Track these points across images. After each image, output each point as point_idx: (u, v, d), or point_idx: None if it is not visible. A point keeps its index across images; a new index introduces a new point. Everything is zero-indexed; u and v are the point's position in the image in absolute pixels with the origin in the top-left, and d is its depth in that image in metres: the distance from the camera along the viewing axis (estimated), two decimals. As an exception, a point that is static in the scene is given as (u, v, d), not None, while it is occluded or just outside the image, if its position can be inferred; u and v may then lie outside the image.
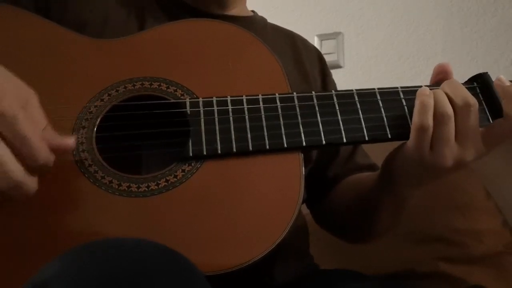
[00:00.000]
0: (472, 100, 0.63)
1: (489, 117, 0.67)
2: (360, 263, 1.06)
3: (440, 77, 0.69)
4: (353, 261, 1.10)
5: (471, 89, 0.66)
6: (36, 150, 0.54)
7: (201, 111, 0.65)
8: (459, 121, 0.62)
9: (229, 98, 0.66)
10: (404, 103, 0.67)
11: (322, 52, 1.01)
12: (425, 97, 0.62)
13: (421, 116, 0.62)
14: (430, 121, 0.62)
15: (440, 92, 0.63)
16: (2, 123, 0.52)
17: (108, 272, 0.44)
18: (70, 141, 0.58)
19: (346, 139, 0.65)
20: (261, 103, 0.66)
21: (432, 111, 0.62)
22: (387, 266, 1.12)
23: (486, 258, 1.08)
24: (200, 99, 0.66)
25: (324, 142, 0.65)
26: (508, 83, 0.66)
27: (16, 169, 0.53)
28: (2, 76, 0.55)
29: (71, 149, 0.60)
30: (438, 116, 0.62)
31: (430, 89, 0.64)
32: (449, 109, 0.62)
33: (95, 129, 0.64)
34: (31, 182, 0.55)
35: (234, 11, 0.88)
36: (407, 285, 1.07)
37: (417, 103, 0.63)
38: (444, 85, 0.65)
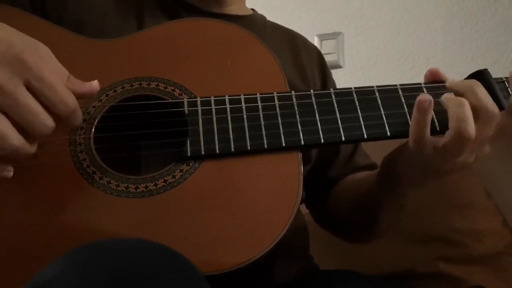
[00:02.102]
0: (496, 110, 0.62)
1: None
2: (360, 263, 1.06)
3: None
4: (353, 261, 1.10)
5: None
6: (66, 97, 0.55)
7: (199, 111, 0.65)
8: (477, 132, 0.61)
9: (227, 98, 0.66)
10: (403, 101, 0.67)
11: (322, 52, 1.00)
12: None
13: (419, 113, 0.61)
14: (428, 118, 0.61)
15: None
16: (27, 72, 0.53)
17: (108, 273, 0.44)
18: (94, 83, 0.60)
19: (345, 138, 0.65)
20: (259, 102, 0.66)
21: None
22: (387, 266, 1.12)
23: (486, 258, 1.08)
24: (198, 99, 0.66)
25: (322, 141, 0.64)
26: None
27: (48, 117, 0.54)
28: (16, 33, 0.56)
29: (97, 91, 0.61)
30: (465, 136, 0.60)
31: (429, 88, 0.64)
32: (472, 131, 0.60)
33: (93, 129, 0.64)
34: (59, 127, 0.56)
35: (233, 9, 0.88)
36: (407, 285, 1.07)
37: (417, 102, 0.61)
38: (468, 92, 0.63)
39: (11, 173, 0.56)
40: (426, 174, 0.67)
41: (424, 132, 0.61)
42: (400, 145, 0.69)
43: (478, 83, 0.64)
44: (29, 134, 0.54)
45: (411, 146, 0.63)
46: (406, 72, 1.65)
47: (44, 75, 0.54)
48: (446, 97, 0.63)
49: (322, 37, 1.74)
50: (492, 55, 1.58)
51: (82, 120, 0.60)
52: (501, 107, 0.65)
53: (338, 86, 0.98)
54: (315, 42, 1.72)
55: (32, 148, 0.56)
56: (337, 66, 1.69)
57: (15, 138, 0.53)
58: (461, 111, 0.60)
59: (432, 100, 0.61)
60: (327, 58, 1.00)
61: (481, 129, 0.61)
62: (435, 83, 0.68)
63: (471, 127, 0.60)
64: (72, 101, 0.56)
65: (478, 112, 0.61)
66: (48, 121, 0.54)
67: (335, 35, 1.73)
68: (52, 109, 0.55)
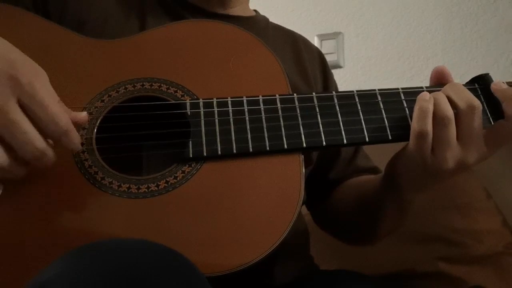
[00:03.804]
0: (476, 102, 0.63)
1: (490, 119, 0.66)
2: (360, 263, 1.06)
3: (438, 82, 0.69)
4: (353, 261, 1.10)
5: (472, 91, 0.66)
6: (57, 116, 0.54)
7: (201, 112, 0.65)
8: (462, 124, 0.62)
9: (229, 99, 0.66)
10: (405, 105, 0.67)
11: (322, 52, 1.00)
12: (424, 103, 0.62)
13: (420, 122, 0.62)
14: (429, 127, 0.62)
15: (440, 95, 0.63)
16: (20, 90, 0.53)
17: (109, 273, 0.44)
18: (82, 115, 0.59)
19: (346, 141, 0.65)
20: (261, 104, 0.66)
21: (431, 117, 0.62)
22: (387, 266, 1.12)
23: (486, 258, 1.08)
24: (201, 100, 0.66)
25: (324, 143, 0.65)
26: (505, 86, 0.67)
27: (37, 137, 0.54)
28: (13, 50, 0.56)
29: (84, 123, 0.60)
30: (438, 120, 0.62)
31: (431, 92, 0.64)
32: (449, 112, 0.62)
33: (95, 130, 0.64)
34: (51, 152, 0.56)
35: (236, 11, 0.88)
36: (407, 285, 1.08)
37: (416, 108, 0.63)
38: (447, 87, 0.65)
39: (0, 191, 0.56)
40: (426, 176, 0.67)
41: (427, 121, 0.62)
42: (400, 150, 0.69)
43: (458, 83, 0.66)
44: (18, 156, 0.54)
45: (411, 144, 0.64)
46: (406, 72, 1.65)
47: (36, 93, 0.53)
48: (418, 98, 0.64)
49: (322, 37, 1.74)
50: (492, 55, 1.58)
51: (79, 143, 0.58)
52: (502, 113, 0.65)
53: (338, 86, 0.98)
54: (315, 42, 1.72)
55: (20, 170, 0.55)
56: (337, 66, 1.69)
57: (1, 157, 0.53)
58: (420, 106, 0.62)
59: (432, 98, 0.63)
60: (327, 58, 1.00)
61: (465, 122, 0.62)
62: (439, 86, 0.68)
63: (423, 122, 0.61)
64: (63, 121, 0.55)
65: (463, 103, 0.62)
66: (37, 142, 0.54)
67: (335, 35, 1.73)
68: (43, 129, 0.54)
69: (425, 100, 0.63)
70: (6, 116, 0.52)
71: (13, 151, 0.54)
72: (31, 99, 0.53)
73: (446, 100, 0.63)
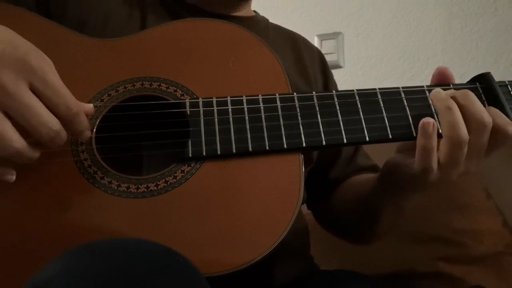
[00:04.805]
0: (488, 119, 0.61)
1: None
2: (360, 263, 1.06)
3: (440, 82, 0.69)
4: (353, 261, 1.10)
5: (473, 90, 0.65)
6: (69, 98, 0.56)
7: (201, 112, 0.65)
8: (471, 141, 0.61)
9: (229, 99, 0.66)
10: (406, 103, 0.67)
11: (322, 52, 1.00)
12: (428, 131, 0.61)
13: (425, 139, 0.61)
14: (434, 143, 0.61)
15: (459, 117, 0.61)
16: (31, 73, 0.53)
17: (108, 272, 0.45)
18: (89, 106, 0.60)
19: (346, 140, 0.65)
20: (261, 103, 0.66)
21: (435, 148, 0.61)
22: (387, 266, 1.12)
23: (486, 258, 1.08)
24: (200, 100, 0.66)
25: (324, 143, 0.64)
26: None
27: (52, 119, 0.55)
28: (19, 37, 0.57)
29: (90, 114, 0.61)
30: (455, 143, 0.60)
31: (432, 91, 0.63)
32: (465, 137, 0.60)
33: (95, 129, 0.64)
34: (64, 132, 0.57)
35: (237, 12, 0.88)
36: (407, 285, 1.08)
37: (420, 126, 0.61)
38: (460, 98, 0.62)
39: (14, 177, 0.56)
40: (427, 183, 0.67)
41: (432, 159, 0.61)
42: (397, 157, 0.69)
43: (471, 93, 0.63)
44: (32, 137, 0.54)
45: (417, 171, 0.63)
46: (406, 72, 1.65)
47: (48, 77, 0.54)
48: (435, 96, 0.63)
49: (322, 37, 1.74)
50: (492, 55, 1.58)
51: (89, 128, 0.60)
52: (504, 112, 0.64)
53: (338, 86, 0.98)
54: (315, 42, 1.72)
55: (34, 152, 0.56)
56: (337, 66, 1.70)
57: (17, 141, 0.53)
58: (451, 118, 0.60)
59: (436, 122, 0.61)
60: (327, 58, 1.00)
61: (474, 140, 0.61)
62: (439, 85, 0.68)
63: (463, 132, 0.60)
64: (74, 104, 0.56)
65: (472, 122, 0.61)
66: (51, 123, 0.54)
67: (335, 35, 1.73)
68: (55, 111, 0.55)
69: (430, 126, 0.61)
70: (19, 99, 0.52)
71: (27, 135, 0.54)
72: (43, 82, 0.54)
73: (463, 123, 0.60)
